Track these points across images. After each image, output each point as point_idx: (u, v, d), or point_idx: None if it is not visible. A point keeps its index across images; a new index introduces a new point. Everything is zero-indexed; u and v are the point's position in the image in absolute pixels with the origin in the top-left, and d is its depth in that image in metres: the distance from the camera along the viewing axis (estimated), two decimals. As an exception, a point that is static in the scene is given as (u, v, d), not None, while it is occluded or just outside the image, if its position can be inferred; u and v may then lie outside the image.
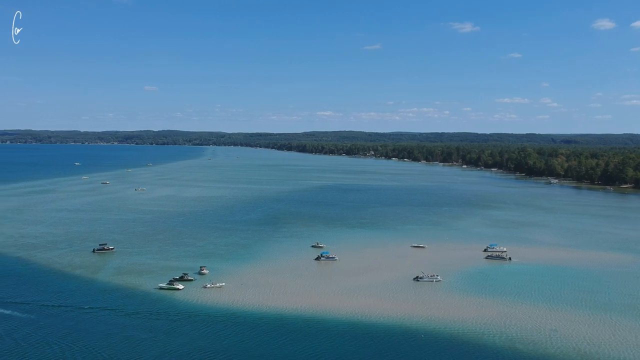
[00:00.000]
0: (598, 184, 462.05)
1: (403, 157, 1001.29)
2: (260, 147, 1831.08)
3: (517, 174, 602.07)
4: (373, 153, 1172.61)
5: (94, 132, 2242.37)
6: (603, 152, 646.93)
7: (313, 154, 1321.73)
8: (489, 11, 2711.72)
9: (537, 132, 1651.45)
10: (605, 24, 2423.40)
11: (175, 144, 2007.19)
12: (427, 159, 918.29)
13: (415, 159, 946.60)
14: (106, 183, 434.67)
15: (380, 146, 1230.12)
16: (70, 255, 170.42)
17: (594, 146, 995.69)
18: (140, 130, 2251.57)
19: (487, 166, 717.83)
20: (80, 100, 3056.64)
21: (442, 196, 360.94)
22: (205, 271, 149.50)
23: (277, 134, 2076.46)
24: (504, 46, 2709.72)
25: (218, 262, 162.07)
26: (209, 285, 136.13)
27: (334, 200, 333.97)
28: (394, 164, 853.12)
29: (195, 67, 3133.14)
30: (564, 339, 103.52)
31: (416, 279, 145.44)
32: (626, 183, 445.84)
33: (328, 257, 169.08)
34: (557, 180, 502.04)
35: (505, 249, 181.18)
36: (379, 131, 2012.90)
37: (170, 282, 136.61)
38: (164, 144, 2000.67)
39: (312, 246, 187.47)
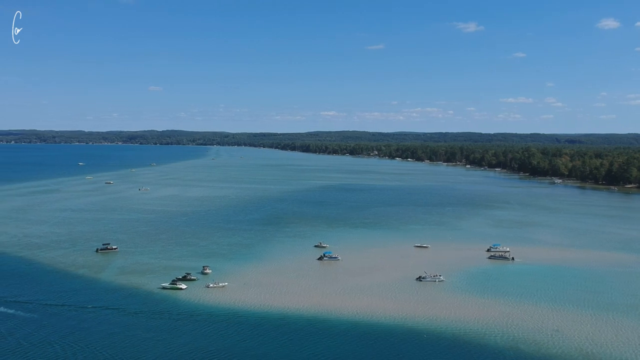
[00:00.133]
0: (602, 184, 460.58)
1: (407, 157, 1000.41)
2: (264, 147, 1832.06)
3: (521, 173, 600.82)
4: (377, 153, 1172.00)
5: (98, 132, 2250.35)
6: (607, 152, 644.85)
7: (317, 153, 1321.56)
8: (493, 11, 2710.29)
9: (541, 132, 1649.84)
10: (610, 23, 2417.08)
11: (179, 144, 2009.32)
12: (430, 159, 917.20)
13: (419, 159, 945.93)
14: (110, 183, 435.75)
15: (384, 146, 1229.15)
16: (73, 255, 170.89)
17: (598, 146, 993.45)
18: (144, 130, 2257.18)
19: (491, 166, 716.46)
20: (85, 101, 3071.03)
21: (446, 196, 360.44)
22: (208, 271, 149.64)
23: (280, 134, 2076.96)
24: (508, 46, 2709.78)
25: (221, 262, 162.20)
26: (211, 285, 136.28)
27: (337, 200, 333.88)
28: (397, 164, 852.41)
29: (199, 68, 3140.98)
30: (567, 339, 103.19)
31: (419, 279, 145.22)
32: (630, 183, 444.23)
33: (331, 257, 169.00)
34: (561, 180, 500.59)
35: (508, 249, 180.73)
36: (382, 131, 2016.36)
37: (173, 282, 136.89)
38: (167, 144, 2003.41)
39: (315, 246, 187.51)
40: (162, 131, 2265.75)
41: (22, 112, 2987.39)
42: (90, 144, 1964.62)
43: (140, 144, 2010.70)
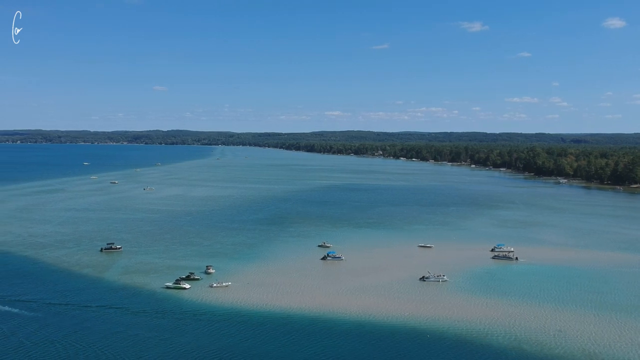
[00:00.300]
0: (608, 184, 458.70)
1: (411, 157, 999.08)
2: (268, 146, 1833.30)
3: (526, 173, 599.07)
4: (381, 153, 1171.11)
5: (104, 132, 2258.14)
6: (613, 151, 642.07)
7: (321, 153, 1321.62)
8: (498, 10, 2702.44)
9: (546, 132, 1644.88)
10: (616, 22, 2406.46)
11: (184, 143, 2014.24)
12: (435, 159, 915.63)
13: (424, 159, 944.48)
14: (115, 182, 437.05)
15: (389, 146, 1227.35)
16: (78, 254, 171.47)
17: (603, 146, 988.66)
18: (150, 130, 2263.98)
19: (496, 166, 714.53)
20: (91, 101, 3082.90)
21: (450, 196, 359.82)
22: (211, 270, 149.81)
23: (285, 134, 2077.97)
24: (513, 45, 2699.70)
25: (224, 262, 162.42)
26: (215, 285, 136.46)
27: (342, 200, 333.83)
28: (402, 164, 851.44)
29: (204, 67, 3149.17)
30: (570, 339, 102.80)
31: (422, 279, 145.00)
32: (636, 183, 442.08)
33: (334, 257, 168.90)
34: (566, 180, 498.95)
35: (512, 249, 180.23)
36: (387, 131, 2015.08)
37: (177, 281, 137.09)
38: (173, 143, 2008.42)
39: (319, 246, 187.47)
40: (167, 131, 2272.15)
41: (28, 113, 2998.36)
42: (96, 143, 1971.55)
43: (146, 143, 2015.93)
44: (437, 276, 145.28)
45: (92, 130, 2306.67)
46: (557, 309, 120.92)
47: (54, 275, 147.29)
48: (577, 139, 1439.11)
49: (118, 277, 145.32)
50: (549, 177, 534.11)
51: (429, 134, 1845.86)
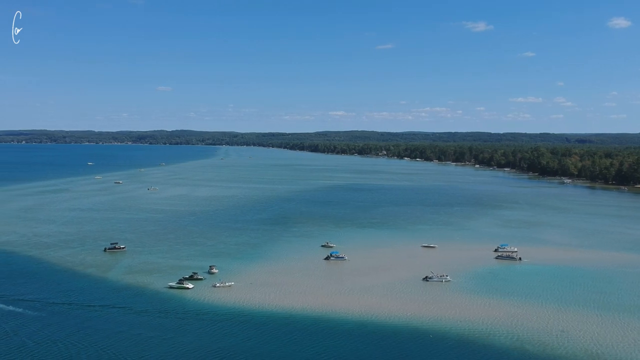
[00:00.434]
0: (612, 184, 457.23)
1: (415, 157, 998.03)
2: (272, 146, 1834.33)
3: (530, 173, 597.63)
4: (385, 153, 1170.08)
5: (108, 132, 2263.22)
6: (618, 151, 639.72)
7: (325, 153, 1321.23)
8: (503, 10, 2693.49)
9: (551, 132, 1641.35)
10: (621, 22, 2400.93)
11: (188, 143, 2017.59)
12: (439, 159, 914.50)
13: (428, 159, 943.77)
14: (119, 182, 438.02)
15: (393, 146, 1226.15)
16: (82, 254, 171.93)
17: (608, 146, 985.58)
18: (154, 130, 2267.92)
19: (500, 166, 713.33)
20: (95, 101, 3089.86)
21: (454, 196, 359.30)
22: (214, 270, 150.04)
23: (289, 134, 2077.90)
24: (517, 45, 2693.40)
25: (228, 262, 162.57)
26: (218, 285, 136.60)
27: (345, 200, 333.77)
28: (406, 164, 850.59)
29: (208, 68, 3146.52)
30: (573, 340, 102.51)
31: (426, 279, 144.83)
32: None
33: (338, 257, 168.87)
34: (570, 180, 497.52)
35: (516, 249, 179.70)
36: (391, 131, 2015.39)
37: (180, 281, 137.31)
38: (177, 143, 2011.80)
39: (322, 246, 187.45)
40: (172, 131, 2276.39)
41: (33, 113, 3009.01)
42: (100, 144, 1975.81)
43: (150, 143, 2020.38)
44: (440, 276, 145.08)
45: (96, 130, 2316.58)
46: (561, 310, 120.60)
47: (58, 274, 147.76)
48: (582, 139, 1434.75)
49: (121, 277, 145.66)
50: (553, 177, 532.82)
51: (433, 134, 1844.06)
